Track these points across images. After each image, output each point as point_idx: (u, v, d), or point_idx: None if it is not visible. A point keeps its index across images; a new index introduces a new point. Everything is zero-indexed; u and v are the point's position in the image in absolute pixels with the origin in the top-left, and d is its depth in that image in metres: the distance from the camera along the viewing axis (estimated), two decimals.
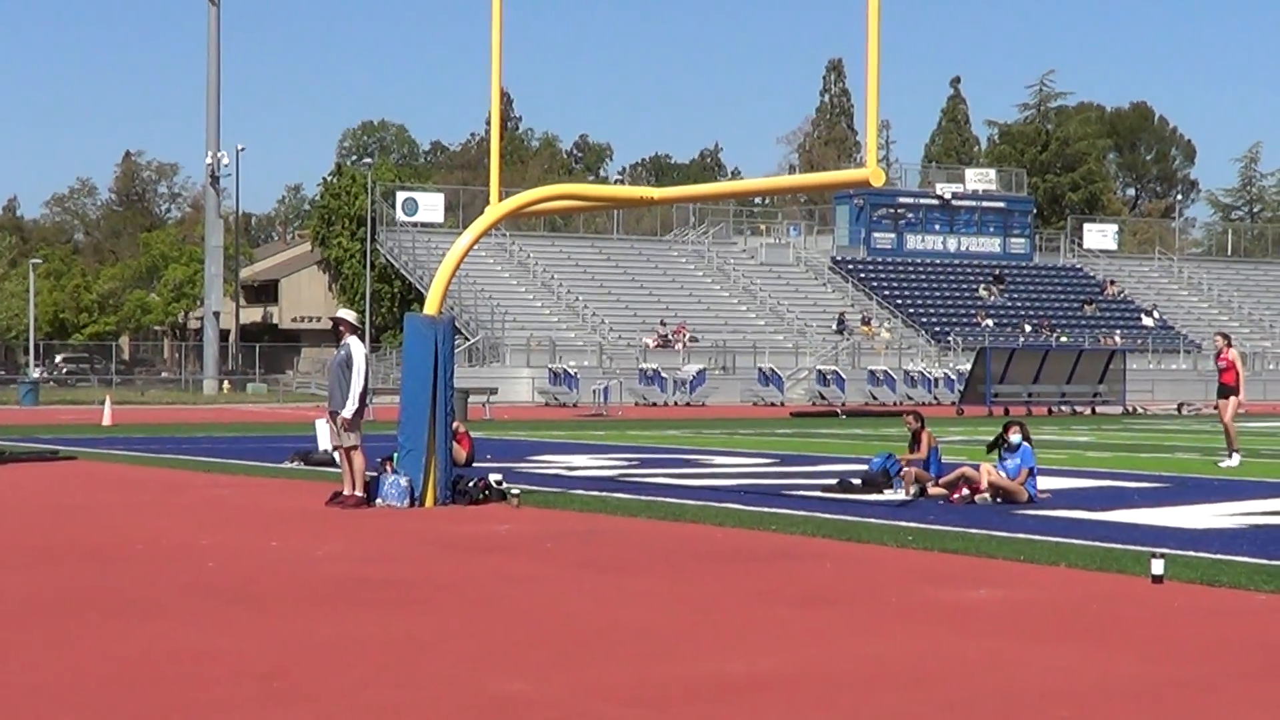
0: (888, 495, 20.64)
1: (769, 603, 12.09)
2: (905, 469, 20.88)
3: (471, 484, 19.92)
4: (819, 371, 70.76)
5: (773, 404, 67.59)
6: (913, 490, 20.44)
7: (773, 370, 70.11)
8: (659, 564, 14.38)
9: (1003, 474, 19.75)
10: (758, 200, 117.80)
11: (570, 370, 66.84)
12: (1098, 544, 15.25)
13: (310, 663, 9.65)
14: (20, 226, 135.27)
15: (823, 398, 68.47)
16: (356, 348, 19.64)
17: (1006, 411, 53.30)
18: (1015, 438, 19.93)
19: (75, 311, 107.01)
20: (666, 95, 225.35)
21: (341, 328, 19.92)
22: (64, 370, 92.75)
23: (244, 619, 11.26)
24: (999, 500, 19.46)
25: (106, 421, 43.14)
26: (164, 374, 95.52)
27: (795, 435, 39.51)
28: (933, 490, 20.31)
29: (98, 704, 8.48)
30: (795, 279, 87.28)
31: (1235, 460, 26.87)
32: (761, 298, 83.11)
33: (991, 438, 20.59)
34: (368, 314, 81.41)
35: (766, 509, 18.71)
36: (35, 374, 75.52)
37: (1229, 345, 28.46)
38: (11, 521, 18.04)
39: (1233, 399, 27.79)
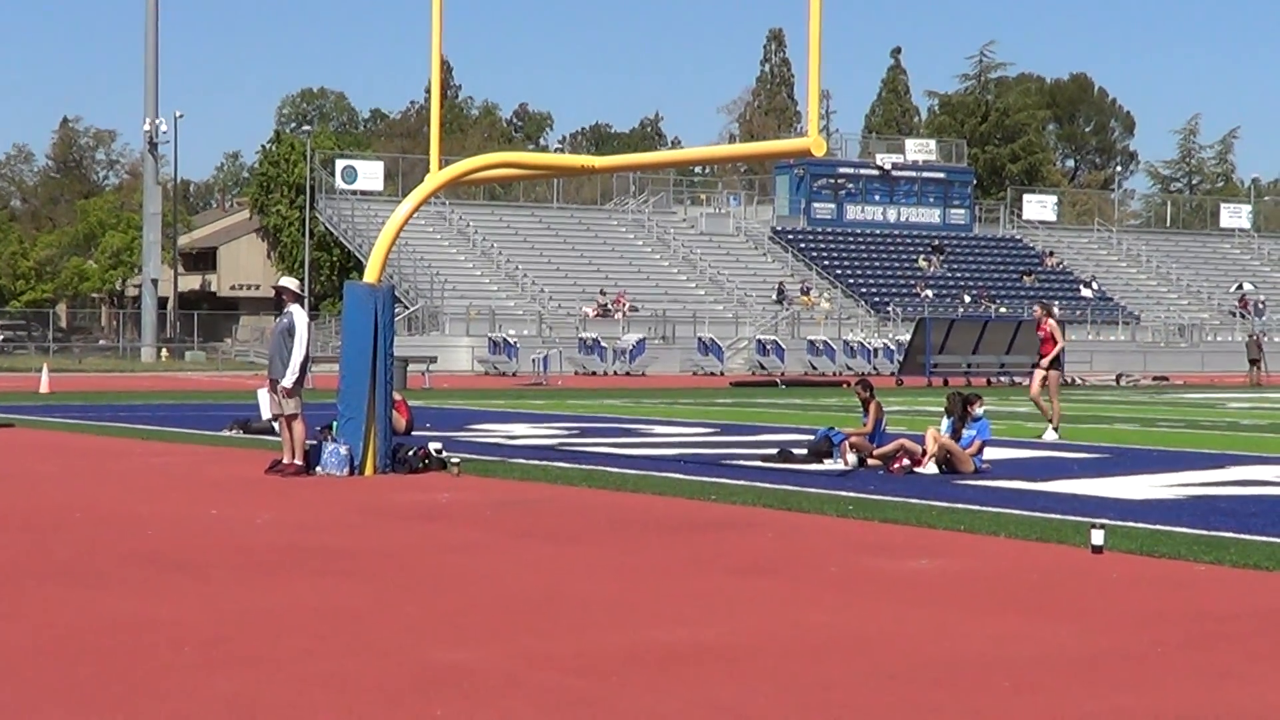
0: (827, 465, 20.68)
1: (710, 572, 12.10)
2: (845, 439, 20.90)
3: (411, 452, 19.88)
4: (758, 341, 70.86)
5: (712, 373, 67.64)
6: (851, 460, 20.47)
7: (712, 340, 70.17)
8: (600, 533, 14.38)
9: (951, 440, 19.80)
10: (698, 170, 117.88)
11: (510, 339, 66.73)
12: (1038, 514, 15.31)
13: (251, 631, 9.61)
14: None
15: (762, 367, 68.58)
16: (299, 316, 19.55)
17: (946, 382, 53.46)
18: (979, 410, 20.03)
19: (12, 279, 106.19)
20: (607, 64, 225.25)
21: (284, 296, 19.83)
22: (1, 338, 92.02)
23: (184, 587, 11.20)
24: (945, 464, 19.50)
25: (44, 389, 42.81)
26: (102, 342, 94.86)
27: (735, 405, 39.55)
28: (871, 461, 20.36)
29: (37, 673, 8.42)
30: (735, 249, 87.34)
31: (1052, 433, 26.64)
32: (701, 267, 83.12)
33: (944, 408, 20.59)
34: (307, 282, 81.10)
35: (707, 478, 18.72)
36: None
37: (1048, 316, 27.91)
38: None
39: (1053, 372, 27.34)
